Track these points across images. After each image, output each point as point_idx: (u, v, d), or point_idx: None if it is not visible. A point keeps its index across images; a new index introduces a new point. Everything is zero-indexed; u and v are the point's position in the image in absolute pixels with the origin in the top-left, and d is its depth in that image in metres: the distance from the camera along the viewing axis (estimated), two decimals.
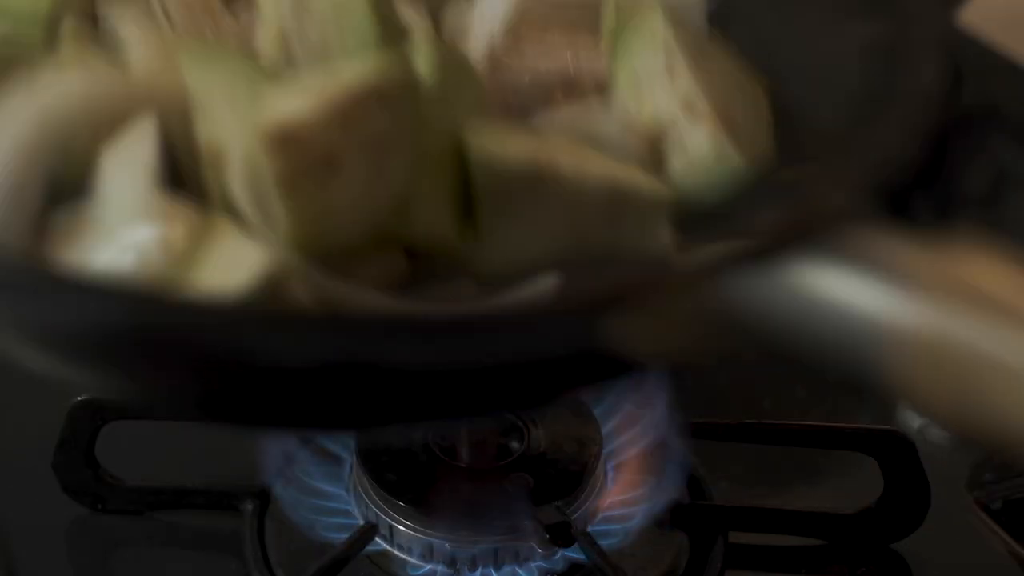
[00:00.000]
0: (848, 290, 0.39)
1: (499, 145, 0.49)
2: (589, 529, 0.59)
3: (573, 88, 0.56)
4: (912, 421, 0.63)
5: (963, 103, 0.85)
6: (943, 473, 0.62)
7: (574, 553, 0.59)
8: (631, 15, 0.58)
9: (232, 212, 0.46)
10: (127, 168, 0.48)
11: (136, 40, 0.53)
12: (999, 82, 0.87)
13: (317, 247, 0.45)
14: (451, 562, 0.59)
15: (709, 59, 0.58)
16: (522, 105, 0.55)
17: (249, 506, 0.61)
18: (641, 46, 0.57)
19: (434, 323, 0.40)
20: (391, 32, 0.53)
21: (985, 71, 0.88)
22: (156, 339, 0.38)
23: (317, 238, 0.46)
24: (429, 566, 0.59)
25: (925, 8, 0.53)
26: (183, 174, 0.48)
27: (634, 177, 0.52)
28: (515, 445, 0.62)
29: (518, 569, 0.59)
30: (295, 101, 0.46)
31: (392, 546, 0.60)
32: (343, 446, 0.63)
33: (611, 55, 0.57)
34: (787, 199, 0.49)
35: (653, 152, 0.55)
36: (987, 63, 0.88)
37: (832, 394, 0.70)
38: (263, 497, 0.62)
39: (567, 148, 0.51)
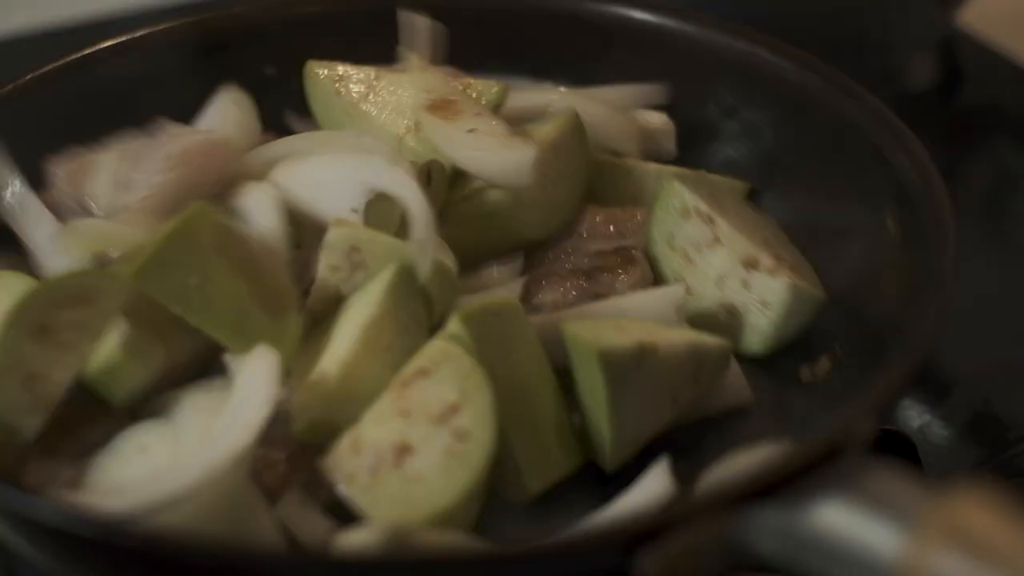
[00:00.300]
0: (859, 530, 0.43)
1: (605, 338, 0.53)
2: None
3: (626, 254, 0.62)
4: (912, 421, 0.64)
5: (963, 103, 0.86)
6: (943, 472, 0.62)
7: None
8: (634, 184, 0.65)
9: None
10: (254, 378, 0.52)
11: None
12: (999, 82, 0.87)
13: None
14: None
15: (733, 208, 0.62)
16: (589, 273, 0.61)
17: None
18: (674, 220, 0.61)
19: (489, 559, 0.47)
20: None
21: (985, 71, 0.88)
22: None
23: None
24: None
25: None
26: None
27: (704, 338, 0.57)
28: None
29: None
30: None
31: None
32: None
33: (646, 228, 0.63)
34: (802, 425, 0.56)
35: (729, 316, 0.61)
36: (987, 63, 0.88)
37: None
38: None
39: (645, 326, 0.56)
